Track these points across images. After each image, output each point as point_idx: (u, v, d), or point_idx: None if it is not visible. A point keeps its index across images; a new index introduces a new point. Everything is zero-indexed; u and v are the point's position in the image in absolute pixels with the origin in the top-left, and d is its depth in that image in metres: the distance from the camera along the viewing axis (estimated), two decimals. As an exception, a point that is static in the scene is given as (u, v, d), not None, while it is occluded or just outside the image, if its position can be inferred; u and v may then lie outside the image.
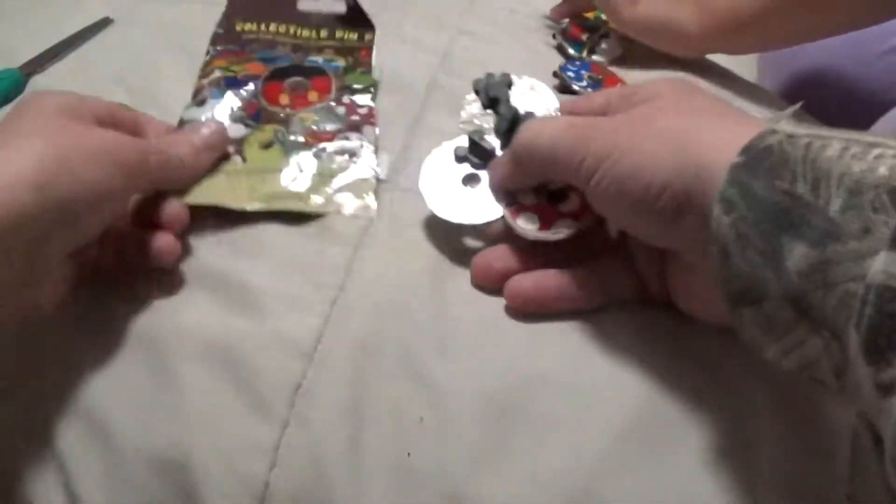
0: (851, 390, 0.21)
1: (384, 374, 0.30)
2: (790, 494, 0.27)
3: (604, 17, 0.61)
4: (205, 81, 0.46)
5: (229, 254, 0.35)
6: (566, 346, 0.31)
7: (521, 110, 0.37)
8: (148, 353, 0.31)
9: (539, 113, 0.37)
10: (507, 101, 0.38)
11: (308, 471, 0.28)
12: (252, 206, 0.36)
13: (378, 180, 0.38)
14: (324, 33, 0.48)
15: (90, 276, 0.33)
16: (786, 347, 0.23)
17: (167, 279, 0.33)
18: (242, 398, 0.30)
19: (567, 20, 0.59)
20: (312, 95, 0.44)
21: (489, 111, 0.39)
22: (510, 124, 0.36)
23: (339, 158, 0.40)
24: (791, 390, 0.29)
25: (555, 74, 0.50)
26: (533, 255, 0.33)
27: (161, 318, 0.32)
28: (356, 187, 0.38)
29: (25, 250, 0.27)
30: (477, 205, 0.35)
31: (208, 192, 0.37)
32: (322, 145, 0.40)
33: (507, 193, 0.34)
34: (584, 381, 0.30)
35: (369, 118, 0.42)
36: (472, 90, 0.40)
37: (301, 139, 0.41)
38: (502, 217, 0.34)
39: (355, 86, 0.45)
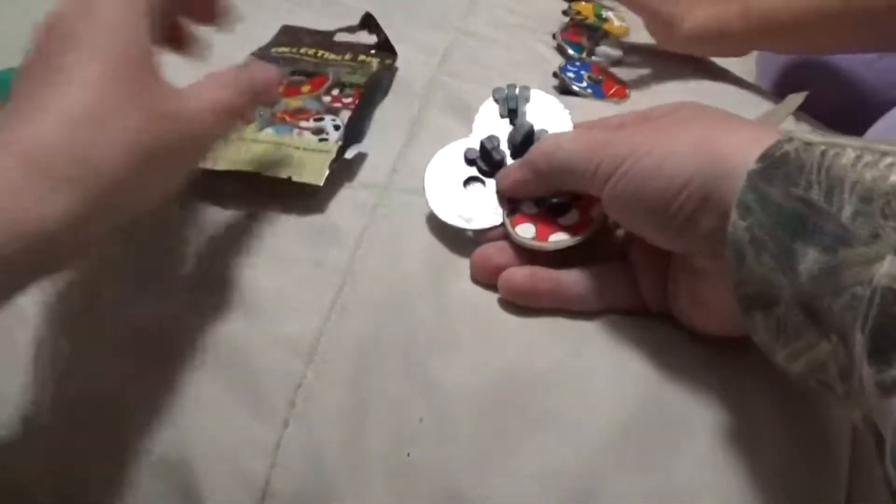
0: (856, 393, 0.21)
1: (384, 373, 0.30)
2: (790, 494, 0.27)
3: (605, 14, 0.61)
4: None
5: (229, 254, 0.35)
6: (566, 344, 0.31)
7: (537, 126, 0.37)
8: (148, 353, 0.31)
9: (552, 130, 0.38)
10: (524, 114, 0.39)
11: (308, 470, 0.28)
12: (217, 166, 0.37)
13: (343, 159, 0.38)
14: (348, 56, 0.50)
15: None
16: (795, 351, 0.23)
17: None
18: (243, 398, 0.30)
19: (568, 19, 0.59)
20: (305, 88, 0.46)
21: (504, 120, 0.39)
22: (524, 137, 0.37)
23: (307, 134, 0.41)
24: (791, 391, 0.29)
25: (555, 75, 0.50)
26: (532, 254, 0.33)
27: (161, 318, 0.32)
28: (314, 159, 0.39)
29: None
30: (478, 210, 0.35)
31: None
32: (297, 123, 0.42)
33: (510, 201, 0.34)
34: (585, 380, 0.30)
35: (349, 105, 0.44)
36: (492, 98, 0.40)
37: (278, 116, 0.42)
38: (502, 224, 0.34)
39: (348, 82, 0.46)
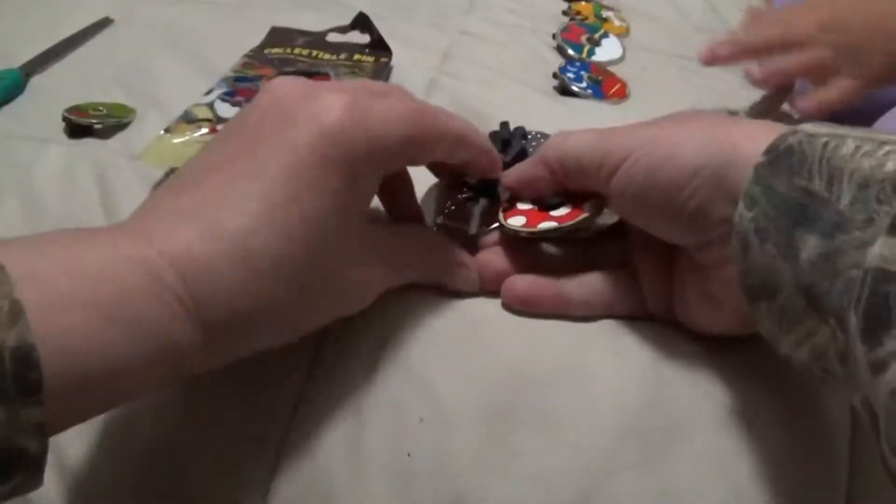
0: (854, 375, 0.21)
1: (384, 374, 0.30)
2: (790, 495, 0.27)
3: (604, 14, 0.61)
4: (218, 79, 0.47)
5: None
6: (566, 345, 0.31)
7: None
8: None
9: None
10: (519, 141, 0.39)
11: (309, 472, 0.28)
12: None
13: None
14: (343, 56, 0.50)
15: None
16: (798, 338, 0.24)
17: None
18: (243, 398, 0.30)
19: (568, 19, 0.59)
20: None
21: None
22: (517, 154, 0.38)
23: None
24: (791, 392, 0.30)
25: (555, 75, 0.50)
26: (534, 258, 0.33)
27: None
28: None
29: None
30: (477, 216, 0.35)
31: (180, 157, 0.39)
32: None
33: (507, 202, 0.34)
34: (585, 381, 0.30)
35: None
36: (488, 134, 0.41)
37: None
38: (497, 225, 0.34)
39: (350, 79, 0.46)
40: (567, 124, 0.45)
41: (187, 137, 0.42)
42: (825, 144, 0.23)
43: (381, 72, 0.48)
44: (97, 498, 0.29)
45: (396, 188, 0.32)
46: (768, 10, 0.58)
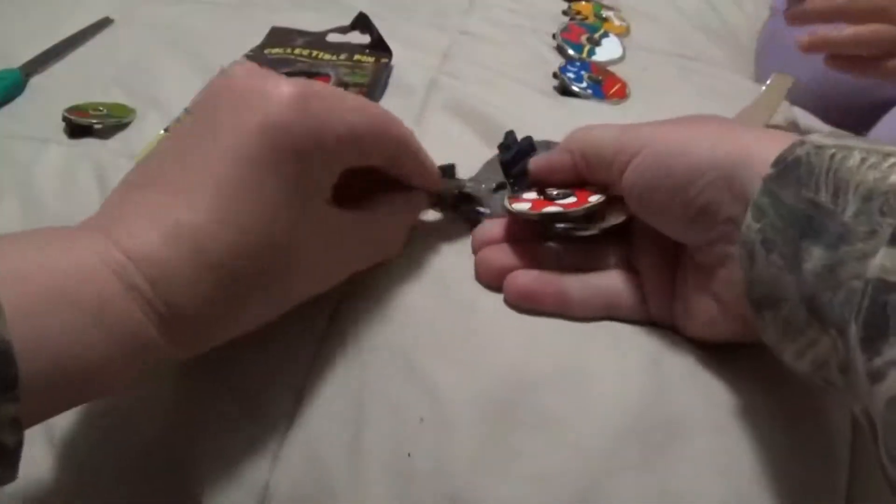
0: (853, 385, 0.22)
1: (384, 375, 0.30)
2: (790, 496, 0.27)
3: (604, 14, 0.61)
4: None
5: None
6: (566, 346, 0.31)
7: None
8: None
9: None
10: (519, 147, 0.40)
11: (309, 471, 0.28)
12: None
13: None
14: (343, 56, 0.50)
15: None
16: (800, 348, 0.24)
17: None
18: (243, 399, 0.30)
19: (567, 19, 0.59)
20: None
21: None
22: (517, 151, 0.38)
23: None
24: (791, 394, 0.29)
25: (555, 75, 0.50)
26: (536, 256, 0.33)
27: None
28: None
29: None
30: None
31: None
32: None
33: (517, 191, 0.35)
34: (585, 382, 0.30)
35: None
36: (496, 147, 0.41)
37: None
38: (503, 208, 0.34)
39: (352, 81, 0.46)
40: (567, 124, 0.45)
41: None
42: (832, 156, 0.24)
43: (382, 72, 0.48)
44: (96, 495, 0.29)
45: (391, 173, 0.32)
46: None
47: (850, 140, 0.24)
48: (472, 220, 0.36)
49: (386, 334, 0.31)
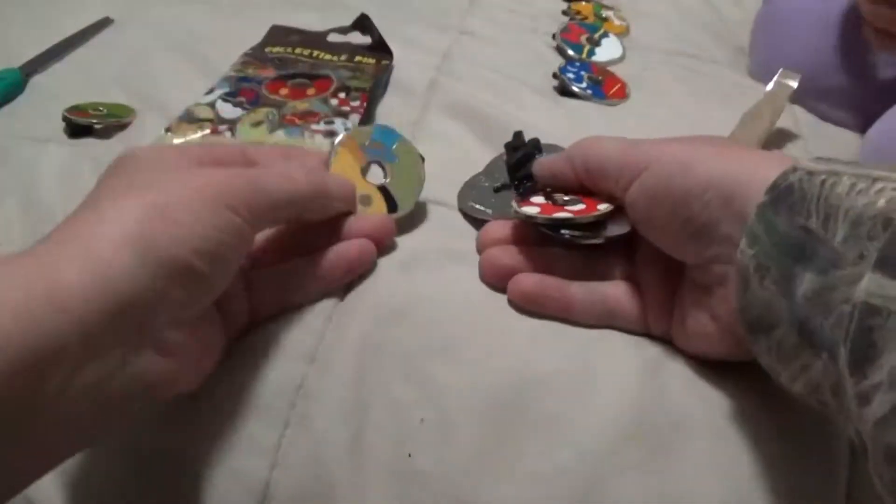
0: (845, 407, 0.22)
1: (385, 375, 0.30)
2: (789, 495, 0.27)
3: (604, 14, 0.61)
4: (219, 78, 0.48)
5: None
6: (568, 347, 0.31)
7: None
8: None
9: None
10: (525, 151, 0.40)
11: (309, 471, 0.28)
12: None
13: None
14: (344, 57, 0.50)
15: (245, 330, 0.31)
16: (794, 372, 0.24)
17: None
18: (243, 398, 0.30)
19: (567, 19, 0.59)
20: (311, 91, 0.46)
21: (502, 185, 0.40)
22: (522, 155, 0.38)
23: (319, 137, 0.41)
24: (790, 400, 0.29)
25: (555, 76, 0.50)
26: (541, 259, 0.33)
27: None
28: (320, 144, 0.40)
29: (136, 316, 0.23)
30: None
31: None
32: (308, 125, 0.42)
33: (522, 194, 0.35)
34: (586, 382, 0.30)
35: (358, 109, 0.44)
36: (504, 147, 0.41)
37: (287, 118, 0.43)
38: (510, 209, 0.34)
39: (353, 86, 0.46)
40: (567, 125, 0.45)
41: (188, 138, 0.42)
42: (823, 182, 0.24)
43: (383, 74, 0.48)
44: (95, 495, 0.29)
45: None
46: None
47: (839, 165, 0.25)
48: (477, 220, 0.36)
49: (387, 335, 0.31)
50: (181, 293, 0.24)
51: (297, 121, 0.43)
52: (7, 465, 0.21)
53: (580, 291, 0.32)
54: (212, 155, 0.30)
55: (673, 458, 0.28)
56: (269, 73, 0.48)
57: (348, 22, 0.53)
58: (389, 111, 0.46)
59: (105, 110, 0.45)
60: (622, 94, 0.50)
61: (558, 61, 0.53)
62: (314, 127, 0.42)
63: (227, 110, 0.44)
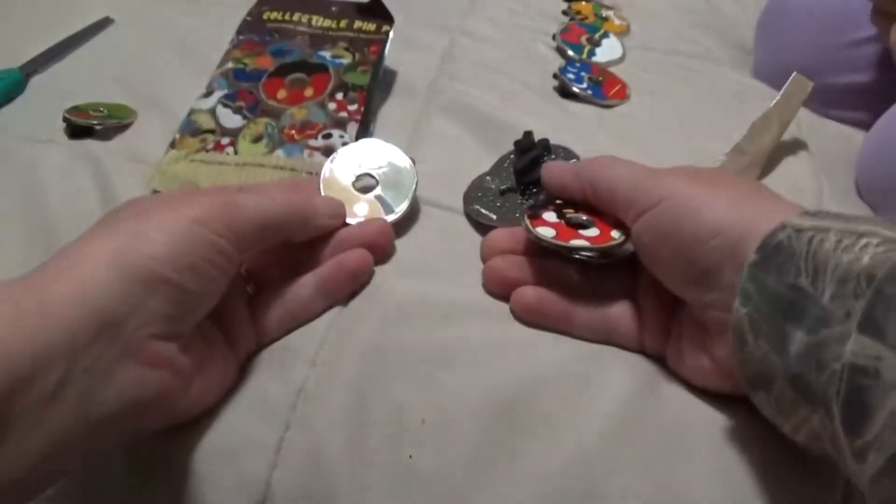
0: (843, 459, 0.22)
1: (386, 377, 0.30)
2: (788, 495, 0.27)
3: (604, 14, 0.61)
4: (218, 72, 0.47)
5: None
6: (568, 350, 0.31)
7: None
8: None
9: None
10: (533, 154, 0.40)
11: (309, 472, 0.28)
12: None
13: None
14: (343, 23, 0.50)
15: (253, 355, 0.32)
16: (795, 424, 0.25)
17: None
18: (244, 399, 0.30)
19: (567, 19, 0.59)
20: (308, 91, 0.46)
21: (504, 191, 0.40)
22: (532, 159, 0.39)
23: (317, 156, 0.41)
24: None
25: (555, 76, 0.50)
26: (544, 270, 0.33)
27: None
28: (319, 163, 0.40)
29: (117, 326, 0.24)
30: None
31: (186, 181, 0.39)
32: (306, 141, 0.42)
33: (530, 208, 0.35)
34: (585, 385, 0.30)
35: (355, 115, 0.44)
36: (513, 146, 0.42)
37: (286, 133, 0.43)
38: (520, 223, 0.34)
39: (351, 83, 0.45)
40: (567, 125, 0.45)
41: (193, 160, 0.42)
42: (810, 240, 0.24)
43: (381, 56, 0.47)
44: (94, 495, 0.29)
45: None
46: None
47: (827, 220, 0.25)
48: (481, 224, 0.37)
49: (388, 337, 0.31)
50: (162, 305, 0.26)
51: (295, 136, 0.43)
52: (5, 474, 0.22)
53: (582, 310, 0.32)
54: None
55: (671, 460, 0.28)
56: (267, 63, 0.47)
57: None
58: (390, 112, 0.46)
59: (105, 111, 0.45)
60: (622, 95, 0.50)
61: (558, 62, 0.53)
62: (312, 143, 0.42)
63: (228, 118, 0.44)
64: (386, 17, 0.50)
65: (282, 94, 0.45)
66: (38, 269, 0.25)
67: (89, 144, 0.43)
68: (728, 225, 0.27)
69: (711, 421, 0.29)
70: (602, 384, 0.30)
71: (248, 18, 0.51)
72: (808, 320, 0.23)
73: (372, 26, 0.49)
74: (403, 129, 0.44)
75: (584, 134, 0.44)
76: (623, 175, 0.31)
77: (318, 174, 0.37)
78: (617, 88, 0.51)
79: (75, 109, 0.44)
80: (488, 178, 0.40)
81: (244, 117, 0.44)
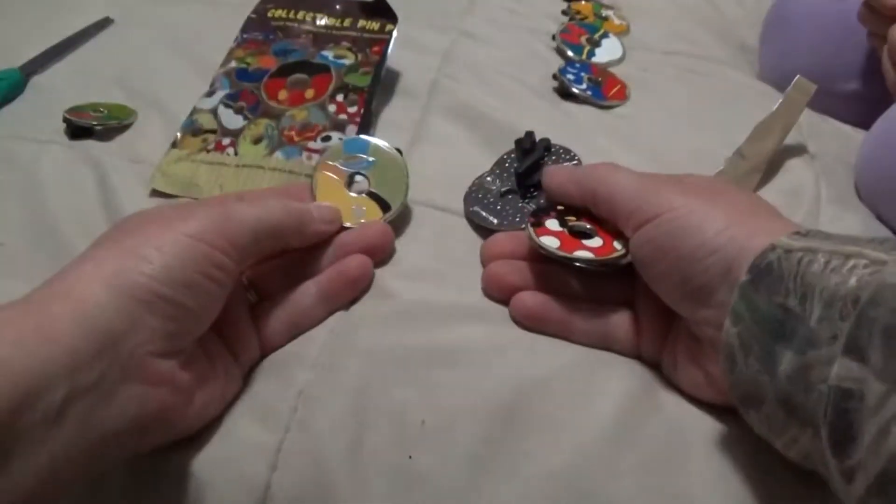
0: (833, 478, 0.23)
1: (386, 378, 0.30)
2: (785, 500, 0.28)
3: (604, 13, 0.61)
4: (221, 71, 0.47)
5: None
6: (567, 352, 0.31)
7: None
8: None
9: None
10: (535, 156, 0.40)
11: (309, 473, 0.28)
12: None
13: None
14: (347, 21, 0.50)
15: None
16: (786, 442, 0.25)
17: None
18: (244, 402, 0.30)
19: (567, 19, 0.59)
20: (309, 93, 0.46)
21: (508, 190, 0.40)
22: (533, 162, 0.39)
23: (316, 158, 0.41)
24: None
25: (554, 77, 0.50)
26: (544, 276, 0.33)
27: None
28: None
29: (116, 344, 0.24)
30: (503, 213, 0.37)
31: (187, 182, 0.40)
32: (305, 143, 0.42)
33: (533, 215, 0.35)
34: (585, 386, 0.30)
35: (354, 117, 0.44)
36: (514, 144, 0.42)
37: (286, 135, 0.43)
38: (523, 229, 0.34)
39: (352, 85, 0.45)
40: (567, 126, 0.45)
41: (194, 160, 0.42)
42: (800, 261, 0.24)
43: (383, 56, 0.48)
44: (94, 496, 0.29)
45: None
46: None
47: (817, 240, 0.25)
48: (482, 227, 0.37)
49: (388, 336, 0.32)
50: (161, 322, 0.26)
51: (295, 138, 0.43)
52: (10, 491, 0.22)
53: (581, 317, 0.32)
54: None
55: (670, 461, 0.28)
56: (269, 63, 0.47)
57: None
58: (390, 113, 0.46)
59: (106, 111, 0.45)
60: (622, 96, 0.50)
61: (558, 62, 0.53)
62: (311, 145, 0.42)
63: (229, 118, 0.44)
64: (390, 16, 0.49)
65: (283, 95, 0.45)
66: (37, 289, 0.25)
67: (89, 145, 0.43)
68: (724, 243, 0.27)
69: (709, 425, 0.29)
70: (601, 387, 0.30)
71: (253, 16, 0.51)
72: (796, 341, 0.23)
73: (376, 25, 0.49)
74: (404, 129, 0.44)
75: (583, 135, 0.44)
76: (623, 185, 0.31)
77: (310, 178, 0.37)
78: (616, 89, 0.51)
79: (75, 109, 0.44)
80: (489, 178, 0.40)
81: (245, 118, 0.44)
